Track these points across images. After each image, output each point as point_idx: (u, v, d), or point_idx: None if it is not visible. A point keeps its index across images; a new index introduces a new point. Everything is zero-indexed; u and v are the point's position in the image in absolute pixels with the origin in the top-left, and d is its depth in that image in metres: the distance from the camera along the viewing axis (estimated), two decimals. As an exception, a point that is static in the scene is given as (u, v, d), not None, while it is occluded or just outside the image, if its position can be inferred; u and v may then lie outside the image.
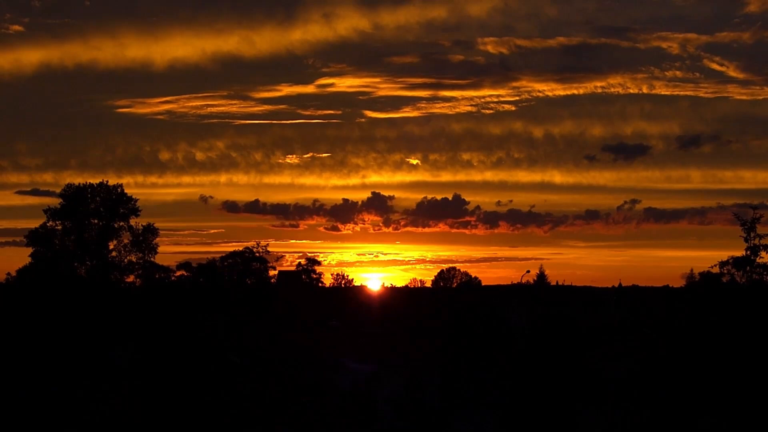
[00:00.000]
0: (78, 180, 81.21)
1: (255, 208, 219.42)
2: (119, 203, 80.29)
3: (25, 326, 63.91)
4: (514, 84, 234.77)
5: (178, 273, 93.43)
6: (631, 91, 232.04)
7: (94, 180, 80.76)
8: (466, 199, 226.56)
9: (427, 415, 60.04)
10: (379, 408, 61.36)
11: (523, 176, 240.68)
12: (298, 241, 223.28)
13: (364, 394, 62.68)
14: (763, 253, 48.63)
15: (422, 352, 74.84)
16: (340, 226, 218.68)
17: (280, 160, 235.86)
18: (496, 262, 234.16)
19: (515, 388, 57.73)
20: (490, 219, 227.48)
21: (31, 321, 64.82)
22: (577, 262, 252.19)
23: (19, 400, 52.20)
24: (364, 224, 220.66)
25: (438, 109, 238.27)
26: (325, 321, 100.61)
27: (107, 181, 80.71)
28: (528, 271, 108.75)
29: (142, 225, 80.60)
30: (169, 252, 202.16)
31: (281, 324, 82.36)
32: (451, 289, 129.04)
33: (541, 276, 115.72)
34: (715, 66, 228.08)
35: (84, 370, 56.28)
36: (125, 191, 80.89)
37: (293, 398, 54.28)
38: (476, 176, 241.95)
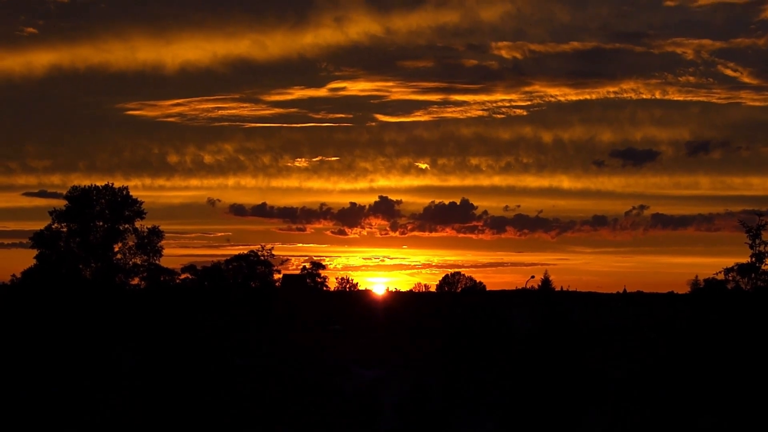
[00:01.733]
0: (86, 182, 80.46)
1: (262, 211, 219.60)
2: (124, 206, 79.61)
3: (27, 327, 63.47)
4: (527, 89, 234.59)
5: (183, 276, 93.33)
6: (644, 96, 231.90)
7: (102, 182, 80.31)
8: (474, 203, 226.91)
9: (429, 418, 59.92)
10: (383, 411, 61.47)
11: (532, 181, 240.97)
12: (304, 245, 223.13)
13: (367, 397, 62.97)
14: (768, 260, 48.32)
15: (424, 354, 74.42)
16: (347, 229, 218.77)
17: (289, 164, 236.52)
18: (501, 268, 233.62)
19: (516, 389, 57.49)
20: (497, 224, 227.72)
21: (34, 322, 64.33)
22: (584, 267, 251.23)
23: (19, 400, 52.10)
24: (371, 228, 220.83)
25: (449, 113, 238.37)
26: (328, 325, 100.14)
27: (113, 184, 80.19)
28: (533, 276, 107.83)
29: (147, 228, 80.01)
30: (176, 255, 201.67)
31: (283, 327, 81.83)
32: (455, 293, 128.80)
33: (546, 281, 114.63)
34: (728, 72, 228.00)
35: (85, 371, 56.11)
36: (132, 194, 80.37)
37: (294, 399, 53.99)
38: (484, 181, 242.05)
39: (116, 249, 79.39)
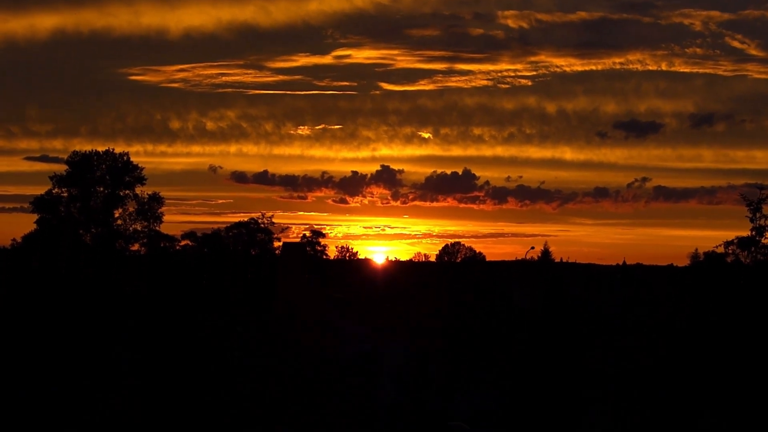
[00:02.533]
0: (87, 147, 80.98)
1: (263, 179, 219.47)
2: (125, 171, 79.72)
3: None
4: (533, 59, 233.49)
5: (183, 242, 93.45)
6: (650, 67, 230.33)
7: (104, 147, 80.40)
8: (476, 174, 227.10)
9: (429, 390, 60.13)
10: (382, 382, 61.75)
11: (534, 152, 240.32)
12: (305, 213, 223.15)
13: (365, 366, 63.44)
14: (768, 233, 48.45)
15: (424, 324, 74.37)
16: (348, 198, 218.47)
17: (291, 131, 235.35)
18: (502, 238, 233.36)
19: (518, 369, 57.88)
20: (499, 194, 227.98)
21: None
22: (584, 239, 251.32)
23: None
24: (372, 197, 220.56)
25: (453, 82, 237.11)
26: (329, 294, 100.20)
27: (113, 149, 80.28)
28: (532, 248, 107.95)
29: (147, 194, 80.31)
30: (177, 221, 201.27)
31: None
32: (455, 264, 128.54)
33: (546, 253, 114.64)
34: (736, 44, 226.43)
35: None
36: (133, 159, 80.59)
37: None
38: (487, 151, 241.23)
39: (116, 215, 79.62)
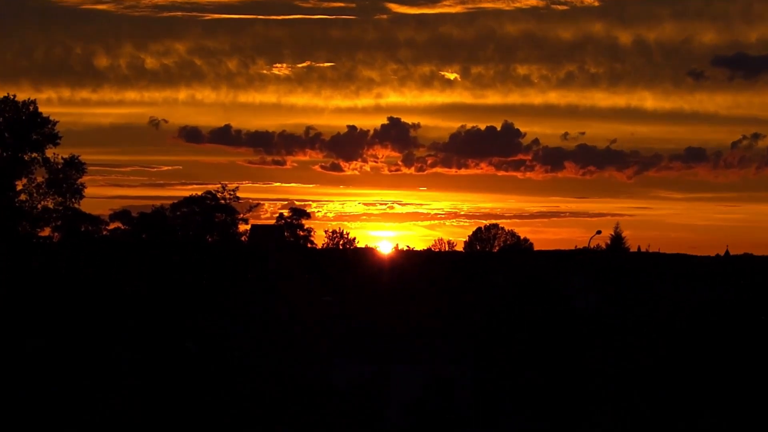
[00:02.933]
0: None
1: (225, 137, 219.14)
2: (31, 127, 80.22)
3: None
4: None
5: (112, 226, 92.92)
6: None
7: (1, 94, 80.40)
8: (521, 129, 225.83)
9: (451, 426, 62.74)
10: (388, 413, 64.85)
11: (602, 99, 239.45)
12: (283, 184, 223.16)
13: (368, 396, 65.76)
14: None
15: (448, 343, 74.21)
16: (342, 164, 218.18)
17: (264, 71, 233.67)
18: (556, 219, 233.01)
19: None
20: (553, 158, 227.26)
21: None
22: (671, 220, 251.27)
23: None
24: (376, 162, 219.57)
25: (489, 3, 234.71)
26: (316, 298, 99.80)
27: (14, 96, 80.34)
28: (599, 232, 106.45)
29: (63, 158, 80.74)
30: (104, 196, 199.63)
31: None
32: (491, 254, 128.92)
33: (617, 239, 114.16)
34: None
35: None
36: (42, 110, 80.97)
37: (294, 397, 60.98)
38: (535, 98, 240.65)
39: (20, 187, 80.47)
